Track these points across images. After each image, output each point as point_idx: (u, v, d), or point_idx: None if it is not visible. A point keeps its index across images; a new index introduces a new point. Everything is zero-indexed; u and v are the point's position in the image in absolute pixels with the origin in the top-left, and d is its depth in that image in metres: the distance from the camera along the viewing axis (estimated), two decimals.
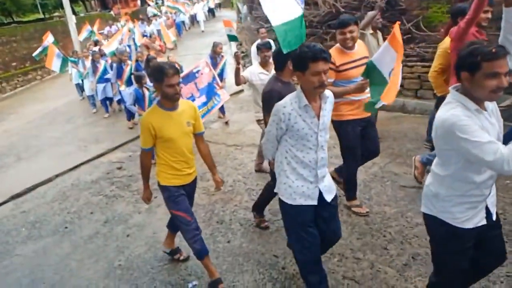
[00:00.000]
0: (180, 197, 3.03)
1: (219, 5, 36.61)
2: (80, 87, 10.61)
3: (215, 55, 7.11)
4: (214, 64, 6.79)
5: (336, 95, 3.40)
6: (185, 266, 3.51)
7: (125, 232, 4.20)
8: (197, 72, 6.11)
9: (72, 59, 10.39)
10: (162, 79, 2.74)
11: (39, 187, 5.72)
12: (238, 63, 4.56)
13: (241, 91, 9.78)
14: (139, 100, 6.00)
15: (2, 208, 5.21)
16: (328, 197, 2.55)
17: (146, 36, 14.76)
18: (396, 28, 3.10)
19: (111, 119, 8.85)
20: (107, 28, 16.50)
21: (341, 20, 3.48)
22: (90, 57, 9.32)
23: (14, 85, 13.58)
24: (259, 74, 4.55)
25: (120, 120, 8.76)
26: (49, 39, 10.75)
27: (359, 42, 3.63)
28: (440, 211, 2.08)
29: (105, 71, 8.63)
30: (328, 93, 2.47)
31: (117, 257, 3.77)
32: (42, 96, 11.56)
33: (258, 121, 4.86)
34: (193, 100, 5.99)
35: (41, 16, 25.16)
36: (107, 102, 9.15)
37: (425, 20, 7.18)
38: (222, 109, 7.27)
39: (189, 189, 3.20)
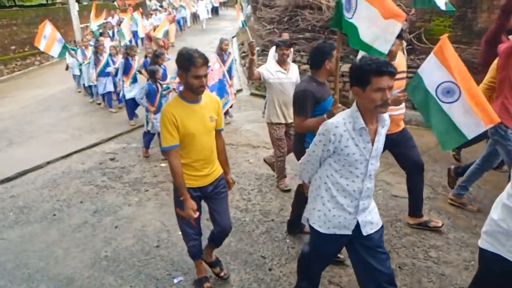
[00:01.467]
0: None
1: (223, 4, 36.59)
2: (78, 78, 10.30)
3: (222, 52, 6.92)
4: (221, 62, 6.66)
5: None
6: (172, 261, 3.49)
7: (114, 224, 4.17)
8: (208, 68, 6.06)
9: (71, 47, 10.13)
10: (189, 68, 2.47)
11: (30, 172, 5.67)
12: (252, 54, 4.23)
13: (240, 90, 9.77)
14: (150, 95, 5.81)
15: None
16: (365, 231, 2.26)
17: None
18: (444, 40, 2.92)
19: (107, 109, 8.75)
20: (109, 18, 16.20)
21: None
22: (90, 48, 9.12)
23: (11, 69, 13.46)
24: (276, 72, 4.38)
25: (116, 111, 8.71)
26: (46, 28, 8.93)
27: (399, 55, 3.50)
28: (510, 251, 1.86)
29: (107, 64, 8.34)
30: (386, 116, 2.18)
31: (104, 248, 3.74)
32: (39, 82, 11.47)
33: (270, 124, 4.57)
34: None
35: (44, 1, 24.97)
36: (109, 97, 8.77)
37: (427, 32, 7.24)
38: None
39: (210, 191, 2.83)
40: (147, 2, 24.46)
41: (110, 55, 8.37)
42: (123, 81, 7.53)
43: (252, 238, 3.78)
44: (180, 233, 3.86)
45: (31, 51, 13.34)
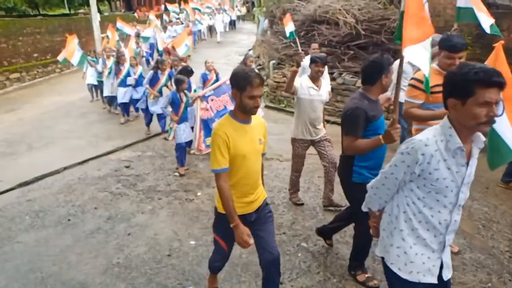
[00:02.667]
0: (231, 228, 2.41)
1: (242, 18, 37.11)
2: (95, 88, 10.33)
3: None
4: None
5: (423, 119, 3.18)
6: (183, 271, 3.49)
7: (127, 231, 4.21)
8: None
9: (91, 58, 10.06)
10: (245, 88, 2.35)
11: (47, 177, 5.78)
12: (298, 65, 3.98)
13: None
14: (174, 104, 5.70)
15: (9, 194, 5.26)
16: (446, 275, 1.95)
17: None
18: (498, 48, 2.88)
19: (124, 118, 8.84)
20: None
21: (453, 43, 3.07)
22: (111, 57, 8.93)
23: (33, 76, 13.85)
24: (308, 88, 4.23)
25: (133, 120, 8.84)
26: (74, 42, 9.72)
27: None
28: None
29: (128, 74, 8.19)
30: (482, 136, 1.83)
31: (116, 255, 3.77)
32: (59, 89, 11.75)
33: (294, 140, 4.48)
34: (226, 111, 5.71)
35: (67, 11, 25.77)
36: (127, 106, 8.63)
37: None
38: None
39: (254, 219, 2.62)
40: (164, 16, 24.92)
41: (131, 65, 8.31)
42: (147, 92, 7.56)
43: None
44: (192, 242, 3.92)
45: (52, 59, 13.70)
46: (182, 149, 5.82)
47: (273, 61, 10.61)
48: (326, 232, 3.74)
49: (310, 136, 4.41)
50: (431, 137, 1.78)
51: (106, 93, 9.13)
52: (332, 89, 8.22)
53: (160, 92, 7.53)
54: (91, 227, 4.32)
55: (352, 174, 2.99)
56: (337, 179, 3.55)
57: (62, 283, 3.39)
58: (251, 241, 2.40)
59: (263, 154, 2.69)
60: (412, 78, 3.33)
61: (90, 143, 7.31)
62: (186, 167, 5.89)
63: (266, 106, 9.67)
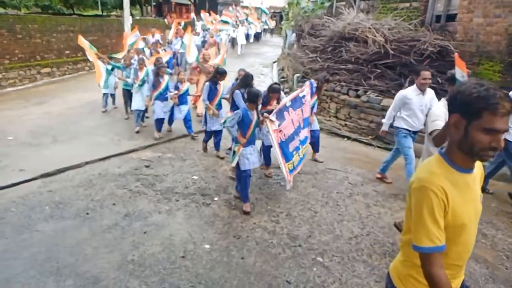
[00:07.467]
0: None
1: (270, 31, 37.36)
2: (112, 97, 9.63)
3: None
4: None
5: None
6: (196, 273, 3.48)
7: (143, 229, 4.23)
8: (303, 97, 5.41)
9: (118, 65, 9.21)
10: (479, 114, 1.49)
11: (69, 170, 5.88)
12: None
13: None
14: (244, 124, 4.62)
15: (31, 184, 5.37)
16: None
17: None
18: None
19: (147, 120, 8.79)
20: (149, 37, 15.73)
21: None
22: (144, 68, 7.97)
23: (63, 72, 14.24)
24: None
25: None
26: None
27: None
28: None
29: (167, 88, 7.46)
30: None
31: (131, 252, 3.79)
32: (87, 86, 12.01)
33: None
34: (299, 132, 5.22)
35: (100, 13, 26.53)
36: (162, 122, 7.72)
37: (475, 75, 7.07)
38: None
39: None
40: (196, 22, 25.32)
41: (180, 81, 7.50)
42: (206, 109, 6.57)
43: (278, 261, 3.71)
44: (207, 246, 3.91)
45: (83, 57, 14.02)
46: (248, 178, 4.77)
47: (298, 75, 10.63)
48: None
49: None
50: None
51: (136, 106, 7.96)
52: (356, 106, 8.22)
53: (220, 104, 6.68)
54: (108, 223, 4.36)
55: None
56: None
57: (77, 274, 3.41)
58: None
59: None
60: None
61: (112, 141, 7.43)
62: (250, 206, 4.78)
63: None
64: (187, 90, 7.56)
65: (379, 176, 5.83)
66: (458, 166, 1.60)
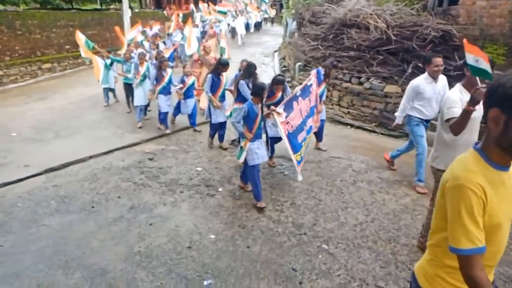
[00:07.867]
0: None
1: (271, 20, 37.02)
2: (112, 92, 9.56)
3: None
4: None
5: None
6: (203, 263, 3.50)
7: (148, 221, 4.26)
8: (310, 86, 5.32)
9: (118, 59, 9.06)
10: None
11: (73, 165, 5.90)
12: (475, 104, 2.90)
13: None
14: (249, 118, 4.53)
15: (36, 179, 5.41)
16: None
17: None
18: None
19: (149, 113, 8.77)
20: (147, 30, 15.51)
21: None
22: (145, 63, 7.93)
23: (64, 67, 14.23)
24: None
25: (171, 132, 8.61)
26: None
27: None
28: None
29: (170, 81, 7.42)
30: None
31: (138, 244, 3.82)
32: (88, 81, 11.97)
33: (437, 171, 3.55)
34: (306, 122, 5.14)
35: (98, 7, 26.39)
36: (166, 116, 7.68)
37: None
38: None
39: None
40: (195, 14, 25.08)
41: (186, 74, 7.41)
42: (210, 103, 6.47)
43: (283, 249, 3.73)
44: (212, 236, 3.93)
45: None
46: (257, 173, 4.65)
47: (299, 63, 10.56)
48: None
49: None
50: None
51: (139, 102, 7.86)
52: (359, 93, 8.16)
53: (223, 96, 6.60)
54: (114, 215, 4.38)
55: None
56: None
57: (85, 267, 3.45)
58: None
59: None
60: None
61: (115, 134, 7.44)
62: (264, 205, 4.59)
63: None
64: (192, 84, 7.53)
65: (387, 158, 5.75)
66: (494, 163, 1.51)
